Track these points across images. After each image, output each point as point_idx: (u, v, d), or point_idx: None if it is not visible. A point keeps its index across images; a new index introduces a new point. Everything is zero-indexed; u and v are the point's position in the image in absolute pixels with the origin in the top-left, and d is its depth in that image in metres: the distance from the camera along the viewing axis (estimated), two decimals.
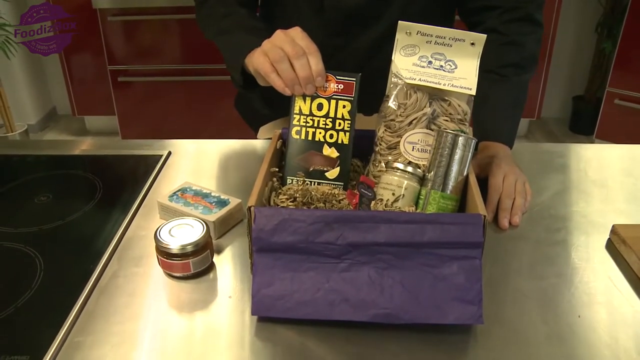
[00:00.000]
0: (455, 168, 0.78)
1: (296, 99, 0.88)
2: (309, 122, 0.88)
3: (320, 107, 0.88)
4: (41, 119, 3.58)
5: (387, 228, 0.69)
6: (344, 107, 0.87)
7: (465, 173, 0.79)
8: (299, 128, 0.88)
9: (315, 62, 0.85)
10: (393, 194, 0.80)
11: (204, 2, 1.14)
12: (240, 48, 0.99)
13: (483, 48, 0.84)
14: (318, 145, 0.88)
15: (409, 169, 0.80)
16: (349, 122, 0.87)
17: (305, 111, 0.88)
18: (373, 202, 0.81)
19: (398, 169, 0.81)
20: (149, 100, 3.02)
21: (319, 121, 0.88)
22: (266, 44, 0.89)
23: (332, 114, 0.87)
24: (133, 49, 2.93)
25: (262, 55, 0.89)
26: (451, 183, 0.78)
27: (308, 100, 0.88)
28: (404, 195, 0.80)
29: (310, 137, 0.88)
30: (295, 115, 0.88)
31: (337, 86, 0.87)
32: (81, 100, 3.34)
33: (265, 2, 1.20)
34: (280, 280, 0.70)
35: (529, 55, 1.09)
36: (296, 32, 0.88)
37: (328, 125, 0.88)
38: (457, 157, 0.78)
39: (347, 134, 0.88)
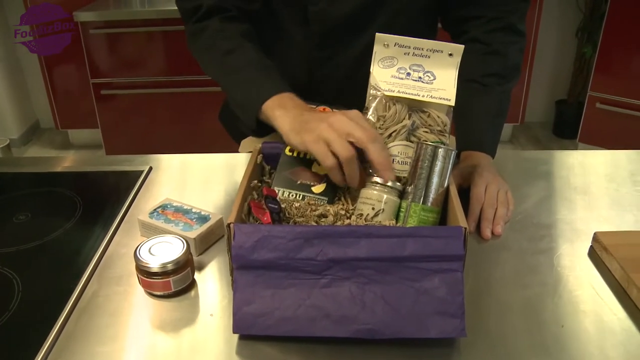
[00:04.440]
0: (435, 180, 0.78)
1: None
2: None
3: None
4: (24, 133, 3.55)
5: (368, 242, 0.68)
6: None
7: (445, 185, 0.79)
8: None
9: (387, 152, 0.83)
10: (373, 209, 0.79)
11: (199, 32, 1.08)
12: (254, 93, 0.95)
13: (465, 57, 0.84)
14: (308, 162, 0.90)
15: (389, 182, 0.80)
16: None
17: None
18: (354, 217, 0.80)
19: (377, 183, 0.80)
20: (133, 113, 3.00)
21: None
22: (326, 129, 0.80)
23: None
24: (115, 62, 2.92)
25: (322, 144, 0.80)
26: (432, 195, 0.78)
27: None
28: (383, 209, 0.79)
29: (301, 155, 0.90)
30: None
31: None
32: (64, 114, 3.32)
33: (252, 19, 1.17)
34: (261, 298, 0.69)
35: (512, 64, 1.09)
36: (358, 115, 0.82)
37: None
38: (437, 168, 0.78)
39: None
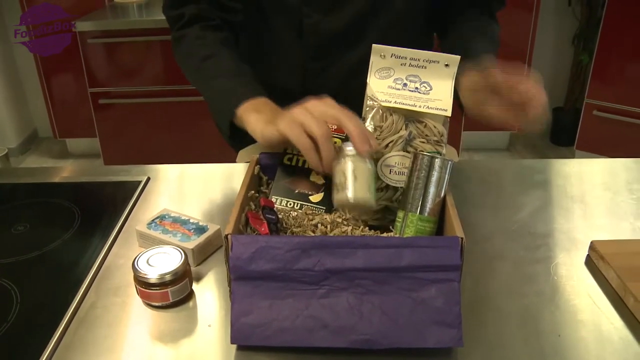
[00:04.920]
0: (432, 190, 0.78)
1: None
2: (301, 152, 0.89)
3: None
4: (22, 142, 3.55)
5: (365, 253, 0.68)
6: (335, 142, 0.89)
7: (442, 194, 0.79)
8: (290, 156, 0.91)
9: (364, 126, 0.82)
10: (344, 174, 0.79)
11: (181, 39, 1.10)
12: (228, 98, 0.96)
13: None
14: (306, 172, 0.90)
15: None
16: None
17: None
18: (334, 191, 0.81)
19: (350, 153, 0.80)
20: (131, 122, 3.01)
21: None
22: (301, 112, 0.81)
23: None
24: (114, 71, 2.92)
25: (297, 125, 0.80)
26: (429, 205, 0.79)
27: None
28: (356, 177, 0.79)
29: (300, 164, 0.91)
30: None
31: (331, 126, 0.90)
32: (62, 123, 3.33)
33: (244, 31, 1.18)
34: (259, 308, 0.69)
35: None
36: (331, 100, 0.83)
37: None
38: (434, 178, 0.78)
39: None
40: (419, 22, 1.13)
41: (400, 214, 0.80)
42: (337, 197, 0.81)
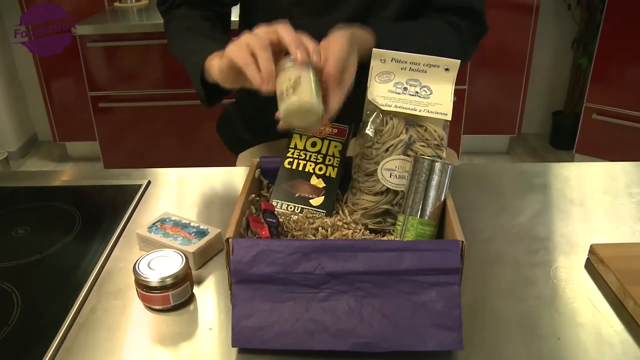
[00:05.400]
0: (432, 194, 0.79)
1: (293, 136, 0.93)
2: (301, 156, 0.92)
3: (314, 144, 0.93)
4: (22, 145, 3.55)
5: (365, 256, 0.69)
6: (335, 146, 0.93)
7: (442, 198, 0.80)
8: (291, 160, 0.92)
9: (309, 39, 0.81)
10: (289, 79, 0.78)
11: (169, 21, 1.15)
12: (200, 53, 0.97)
13: None
14: (307, 175, 0.91)
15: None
16: (339, 159, 0.92)
17: (300, 147, 0.93)
18: (279, 104, 0.79)
19: (288, 62, 0.79)
20: (131, 125, 3.01)
21: (310, 155, 0.92)
22: (245, 35, 0.82)
23: (323, 151, 0.93)
24: (113, 75, 2.93)
25: (240, 46, 0.81)
26: (429, 209, 0.79)
27: (304, 138, 0.93)
28: (299, 83, 0.77)
29: (300, 168, 0.92)
30: (290, 149, 0.93)
31: (332, 130, 0.94)
32: (62, 127, 3.33)
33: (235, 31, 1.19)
34: (260, 312, 0.70)
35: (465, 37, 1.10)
36: (278, 24, 0.82)
37: (319, 159, 0.92)
38: (434, 182, 0.79)
39: (336, 169, 0.91)
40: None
41: (401, 217, 0.81)
42: (282, 106, 0.79)
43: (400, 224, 0.80)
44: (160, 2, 1.18)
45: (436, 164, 0.79)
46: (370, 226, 0.86)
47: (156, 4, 1.20)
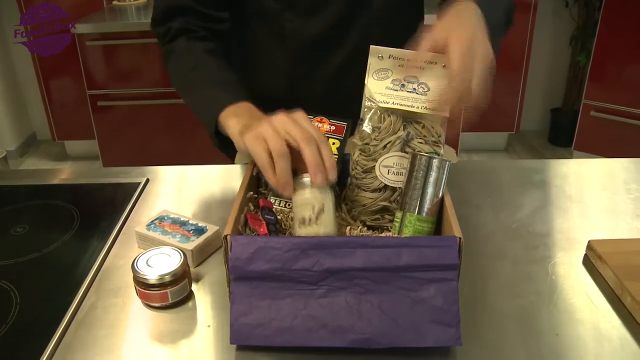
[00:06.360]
0: (430, 190, 0.79)
1: None
2: None
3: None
4: (21, 144, 3.56)
5: (363, 253, 0.69)
6: (333, 143, 0.90)
7: (440, 195, 0.80)
8: None
9: (328, 152, 0.77)
10: (312, 208, 0.77)
11: (169, 53, 1.10)
12: (211, 106, 0.94)
13: None
14: None
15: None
16: (337, 156, 0.89)
17: None
18: (298, 225, 0.78)
19: (308, 183, 0.78)
20: (130, 123, 3.01)
21: None
22: (266, 127, 0.78)
23: None
24: (112, 73, 2.93)
25: (260, 141, 0.77)
26: (427, 205, 0.79)
27: None
28: (322, 210, 0.77)
29: None
30: None
31: (330, 127, 0.91)
32: (61, 125, 3.33)
33: (227, 35, 1.16)
34: (258, 308, 0.70)
35: None
36: (302, 116, 0.79)
37: None
38: (432, 179, 0.79)
39: None
40: (401, 19, 1.12)
41: (399, 214, 0.81)
42: (303, 230, 0.78)
43: (398, 220, 0.80)
44: (155, 23, 1.11)
45: (434, 160, 0.79)
46: (368, 223, 0.86)
47: (151, 24, 1.13)
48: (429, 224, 0.79)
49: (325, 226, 0.77)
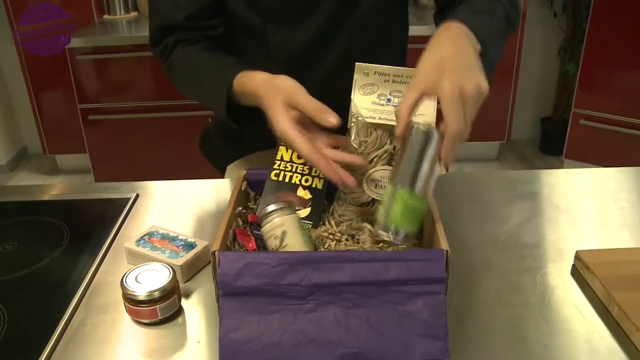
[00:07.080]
0: (426, 165, 0.74)
1: (279, 147, 0.93)
2: (288, 168, 0.92)
3: (300, 156, 0.90)
4: (11, 159, 3.54)
5: (351, 267, 0.69)
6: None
7: (435, 176, 0.76)
8: (278, 172, 0.92)
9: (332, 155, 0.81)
10: (276, 237, 0.79)
11: (170, 67, 1.12)
12: (219, 85, 0.96)
13: None
14: (293, 187, 0.91)
15: (280, 205, 0.80)
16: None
17: (286, 158, 0.93)
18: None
19: (268, 212, 0.80)
20: (121, 137, 3.01)
21: (297, 167, 0.92)
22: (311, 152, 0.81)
23: None
24: (103, 87, 2.93)
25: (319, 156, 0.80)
26: (421, 181, 0.75)
27: (290, 149, 0.92)
28: (285, 231, 0.78)
29: (287, 180, 0.92)
30: (276, 161, 0.93)
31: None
32: (52, 139, 3.32)
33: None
34: (247, 324, 0.70)
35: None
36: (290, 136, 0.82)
37: (305, 171, 0.91)
38: (429, 154, 0.74)
39: (322, 180, 0.91)
40: (385, 30, 1.13)
41: (389, 188, 0.77)
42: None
43: (389, 195, 0.76)
44: (153, 44, 1.14)
45: (434, 132, 0.74)
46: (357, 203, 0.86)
47: (150, 48, 1.15)
48: (421, 203, 0.76)
49: (291, 247, 0.78)
